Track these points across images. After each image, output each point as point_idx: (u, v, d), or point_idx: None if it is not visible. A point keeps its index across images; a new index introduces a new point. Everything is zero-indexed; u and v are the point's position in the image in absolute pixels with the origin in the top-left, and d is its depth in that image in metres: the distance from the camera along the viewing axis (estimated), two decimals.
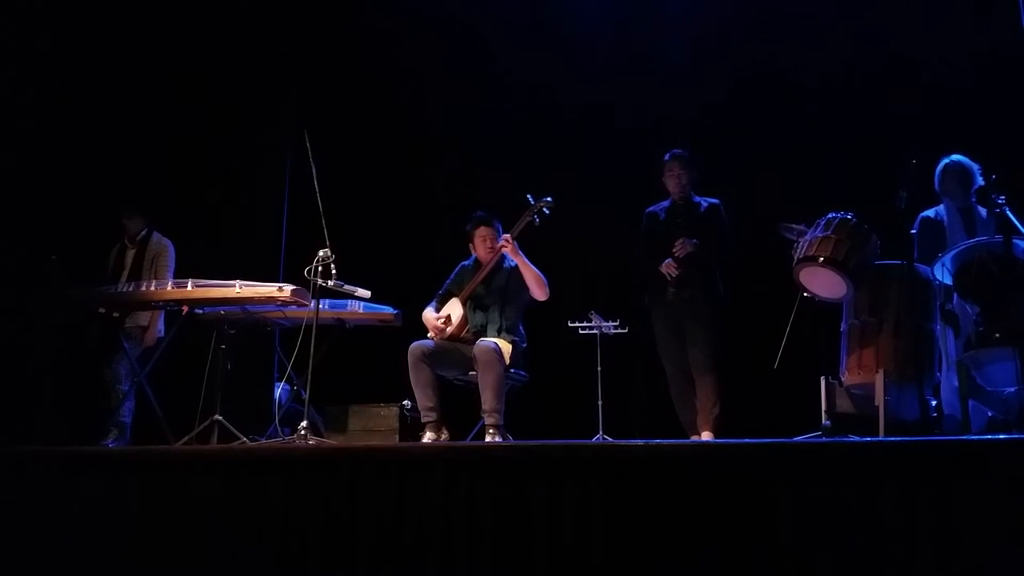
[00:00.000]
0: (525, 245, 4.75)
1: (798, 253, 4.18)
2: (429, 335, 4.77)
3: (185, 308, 4.95)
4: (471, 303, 4.80)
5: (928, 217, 4.53)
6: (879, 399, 3.98)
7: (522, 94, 6.28)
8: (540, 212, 4.78)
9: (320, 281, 4.48)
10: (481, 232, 4.89)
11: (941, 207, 4.56)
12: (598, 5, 6.32)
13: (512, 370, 4.66)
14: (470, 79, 6.35)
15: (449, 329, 4.75)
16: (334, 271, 4.50)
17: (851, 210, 4.18)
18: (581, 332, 5.08)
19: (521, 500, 3.16)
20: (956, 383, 3.99)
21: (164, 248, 5.44)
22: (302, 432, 4.26)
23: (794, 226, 4.36)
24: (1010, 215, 3.94)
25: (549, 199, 4.79)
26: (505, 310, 4.75)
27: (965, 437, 3.59)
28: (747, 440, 3.42)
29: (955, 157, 4.51)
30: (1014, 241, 3.84)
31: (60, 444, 4.46)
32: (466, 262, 5.01)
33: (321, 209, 4.72)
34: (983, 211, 4.43)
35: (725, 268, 4.91)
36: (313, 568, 3.32)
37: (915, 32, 5.60)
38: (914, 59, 5.57)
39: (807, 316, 4.44)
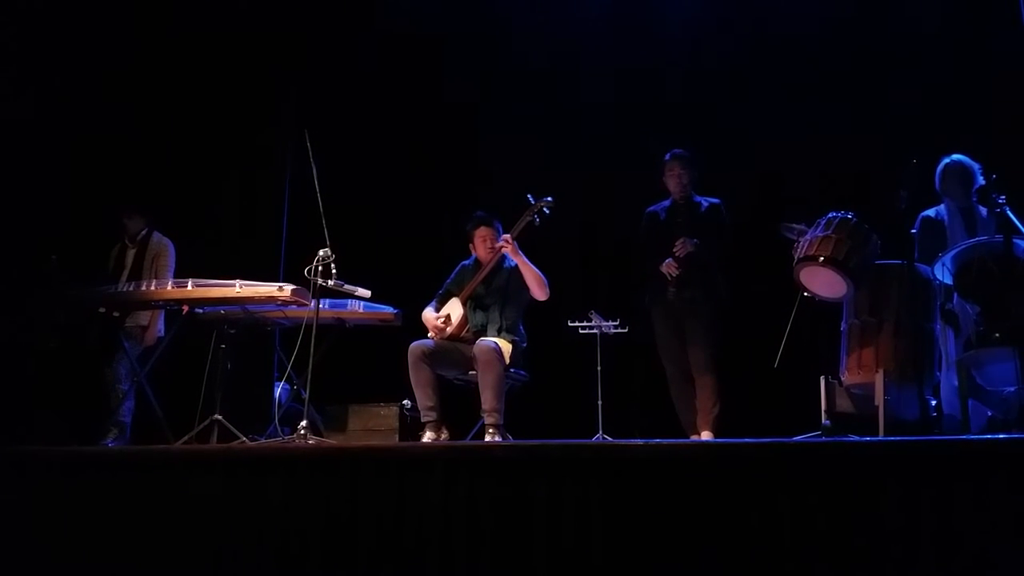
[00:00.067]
0: (525, 245, 4.75)
1: (798, 253, 4.17)
2: (429, 335, 4.77)
3: (185, 308, 4.96)
4: (471, 303, 4.80)
5: (928, 217, 4.53)
6: (879, 399, 3.98)
7: (522, 93, 6.28)
8: (540, 212, 4.78)
9: (320, 281, 4.48)
10: (481, 232, 4.89)
11: (942, 207, 4.55)
12: (598, 5, 6.33)
13: (512, 370, 4.66)
14: (470, 79, 6.35)
15: (449, 329, 4.75)
16: (334, 271, 4.50)
17: (851, 210, 4.18)
18: (581, 332, 5.08)
19: (521, 500, 3.16)
20: (956, 383, 3.99)
21: (164, 248, 5.44)
22: (302, 432, 4.25)
23: (794, 226, 4.36)
24: (1010, 215, 3.94)
25: (549, 199, 4.79)
26: (505, 310, 4.75)
27: (965, 437, 3.59)
28: (747, 440, 3.42)
29: (956, 157, 4.50)
30: (1014, 241, 3.83)
31: (60, 444, 4.45)
32: (466, 262, 5.00)
33: (321, 209, 4.73)
34: (984, 211, 4.42)
35: (725, 268, 4.91)
36: (313, 568, 3.32)
37: (915, 32, 5.60)
38: (914, 59, 5.58)
39: (807, 316, 4.44)
